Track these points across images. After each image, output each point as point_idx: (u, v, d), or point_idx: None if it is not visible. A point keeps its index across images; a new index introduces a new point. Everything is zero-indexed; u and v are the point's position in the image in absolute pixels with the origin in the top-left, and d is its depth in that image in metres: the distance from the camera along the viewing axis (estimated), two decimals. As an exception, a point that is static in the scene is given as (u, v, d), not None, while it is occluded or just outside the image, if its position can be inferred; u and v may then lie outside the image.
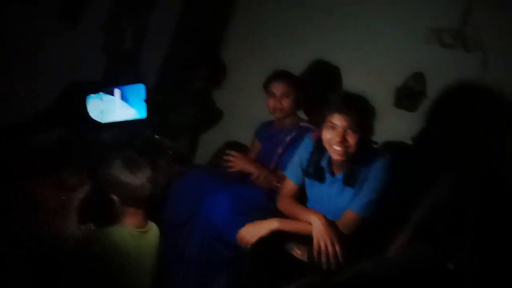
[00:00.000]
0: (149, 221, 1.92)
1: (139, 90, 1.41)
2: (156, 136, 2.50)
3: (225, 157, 2.30)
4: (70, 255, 1.81)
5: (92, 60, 2.55)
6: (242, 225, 1.93)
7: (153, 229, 1.92)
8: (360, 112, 1.81)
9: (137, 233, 1.84)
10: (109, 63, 2.62)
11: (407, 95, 2.34)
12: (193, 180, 2.24)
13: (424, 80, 2.32)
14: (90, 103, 1.36)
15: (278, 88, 2.32)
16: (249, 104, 2.79)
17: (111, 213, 1.85)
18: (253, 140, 2.54)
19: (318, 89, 2.52)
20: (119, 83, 1.42)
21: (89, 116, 1.34)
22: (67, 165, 2.07)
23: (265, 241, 1.88)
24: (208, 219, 2.08)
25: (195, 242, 2.11)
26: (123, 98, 1.43)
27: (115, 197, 1.82)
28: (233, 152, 2.30)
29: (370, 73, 2.41)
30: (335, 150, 1.81)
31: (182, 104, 2.71)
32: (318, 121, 1.90)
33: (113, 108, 1.39)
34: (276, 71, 2.40)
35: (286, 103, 2.32)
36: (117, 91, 1.39)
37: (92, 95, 1.34)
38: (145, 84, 1.60)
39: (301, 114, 2.48)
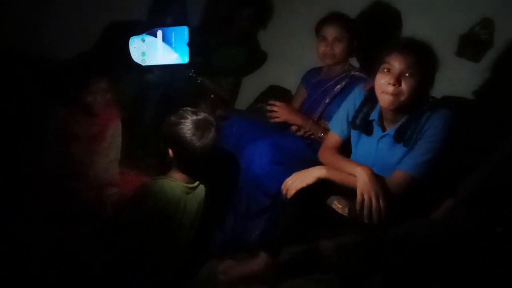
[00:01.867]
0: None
1: (182, 33, 1.33)
2: (199, 79, 2.43)
3: (268, 107, 2.20)
4: (124, 208, 1.84)
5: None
6: (282, 174, 1.87)
7: (200, 186, 1.91)
8: (421, 56, 1.65)
9: (186, 189, 1.84)
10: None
11: (472, 44, 2.13)
12: (235, 126, 2.18)
13: (492, 27, 2.09)
14: (132, 44, 1.30)
15: (330, 32, 2.16)
16: (297, 48, 2.64)
17: (164, 166, 1.85)
18: (298, 87, 2.42)
19: (375, 34, 2.33)
20: (162, 24, 1.34)
21: (131, 58, 1.29)
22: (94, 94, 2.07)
23: (305, 193, 1.82)
24: (248, 166, 2.03)
25: (233, 189, 2.09)
26: (166, 40, 1.36)
27: (171, 152, 1.80)
28: (276, 102, 2.20)
29: (432, 17, 2.19)
30: (385, 96, 1.67)
31: (226, 46, 2.60)
32: (373, 69, 1.75)
33: (155, 50, 1.33)
34: (329, 13, 2.23)
35: (338, 48, 2.16)
36: (159, 33, 1.32)
37: (135, 36, 1.28)
38: (188, 25, 1.53)
39: (354, 62, 2.32)
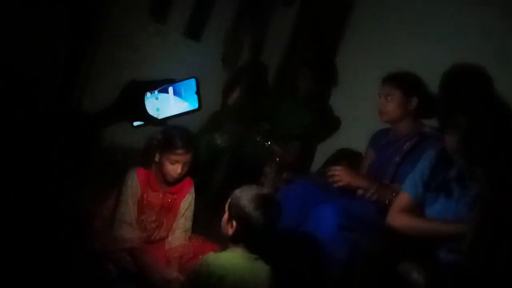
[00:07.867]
0: None
1: (190, 84, 1.44)
2: (266, 143, 2.44)
3: (329, 173, 2.13)
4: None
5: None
6: (349, 241, 1.76)
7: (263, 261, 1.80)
8: None
9: (248, 256, 1.74)
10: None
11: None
12: (300, 189, 2.11)
13: None
14: (147, 102, 1.42)
15: (384, 90, 2.16)
16: (366, 109, 2.58)
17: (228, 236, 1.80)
18: (366, 149, 2.34)
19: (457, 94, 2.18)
20: (173, 81, 1.46)
21: (147, 113, 1.39)
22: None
23: (377, 259, 1.67)
24: (313, 232, 1.94)
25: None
26: (176, 93, 1.47)
27: (235, 224, 1.75)
28: (337, 167, 2.13)
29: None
30: None
31: (295, 110, 2.61)
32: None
33: (168, 104, 1.43)
34: (390, 72, 2.19)
35: (389, 106, 2.13)
36: (170, 89, 1.45)
37: (149, 94, 1.40)
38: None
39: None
